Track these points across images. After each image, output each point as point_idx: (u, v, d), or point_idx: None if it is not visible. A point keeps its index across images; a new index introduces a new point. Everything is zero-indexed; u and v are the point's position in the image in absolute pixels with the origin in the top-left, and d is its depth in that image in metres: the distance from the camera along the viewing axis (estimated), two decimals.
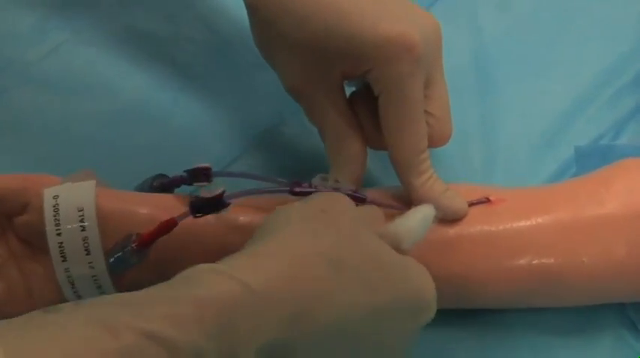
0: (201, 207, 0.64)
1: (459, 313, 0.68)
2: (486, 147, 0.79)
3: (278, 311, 0.51)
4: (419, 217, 0.61)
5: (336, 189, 0.66)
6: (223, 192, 0.64)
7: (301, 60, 0.66)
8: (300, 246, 0.54)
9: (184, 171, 0.68)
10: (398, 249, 0.59)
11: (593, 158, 0.75)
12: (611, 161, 0.70)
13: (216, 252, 0.58)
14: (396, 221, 0.60)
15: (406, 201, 0.67)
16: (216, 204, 0.64)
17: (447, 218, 0.66)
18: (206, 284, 0.50)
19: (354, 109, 0.69)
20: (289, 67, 0.67)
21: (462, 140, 0.78)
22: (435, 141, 0.68)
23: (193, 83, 0.82)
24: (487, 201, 0.67)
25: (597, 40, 0.85)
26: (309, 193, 0.65)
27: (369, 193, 0.67)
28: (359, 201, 0.66)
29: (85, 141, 0.79)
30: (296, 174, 0.69)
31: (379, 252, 0.57)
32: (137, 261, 0.64)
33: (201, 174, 0.67)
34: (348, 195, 0.65)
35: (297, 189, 0.65)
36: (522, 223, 0.65)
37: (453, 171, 0.76)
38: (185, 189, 0.69)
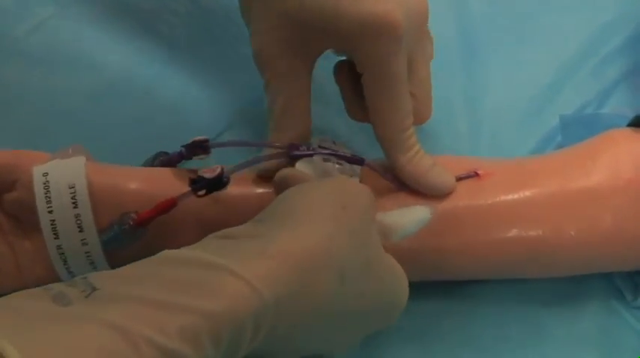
0: (203, 186, 0.64)
1: (447, 285, 0.69)
2: (472, 117, 0.79)
3: (279, 322, 0.51)
4: (414, 218, 0.62)
5: (335, 152, 0.65)
6: (222, 170, 0.64)
7: (281, 30, 0.66)
8: (315, 254, 0.53)
9: (182, 147, 0.68)
10: (385, 239, 0.60)
11: (577, 127, 0.75)
12: (596, 130, 0.70)
13: (212, 227, 0.58)
14: (392, 214, 0.61)
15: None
16: (217, 183, 0.64)
17: (435, 194, 0.66)
18: (223, 292, 0.49)
19: (337, 79, 0.69)
20: (268, 35, 0.66)
21: (447, 109, 0.79)
22: (414, 121, 0.67)
23: (178, 56, 0.82)
24: (475, 175, 0.67)
25: (581, 9, 0.85)
26: (309, 156, 0.65)
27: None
28: (357, 162, 0.66)
29: (70, 115, 0.78)
30: None
31: (378, 260, 0.58)
32: (133, 240, 0.64)
33: (198, 147, 0.67)
34: (347, 158, 0.65)
35: (296, 153, 0.65)
36: (510, 197, 0.65)
37: (440, 141, 0.77)
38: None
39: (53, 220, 0.63)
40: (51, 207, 0.63)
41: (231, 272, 0.49)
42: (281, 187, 0.60)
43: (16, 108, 0.79)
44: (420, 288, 0.68)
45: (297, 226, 0.54)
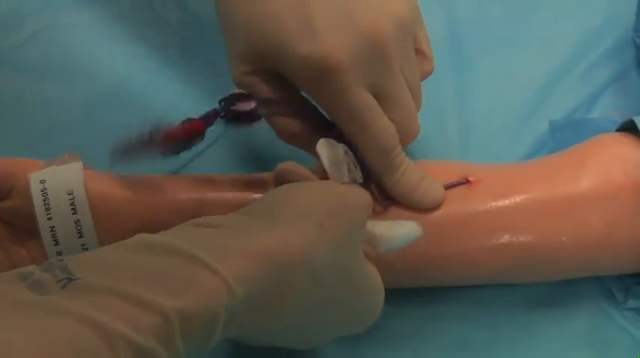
0: (237, 117, 0.64)
1: (439, 289, 0.69)
2: (462, 122, 0.80)
3: (249, 315, 0.52)
4: (403, 233, 0.62)
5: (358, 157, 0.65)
6: (257, 103, 0.64)
7: (237, 40, 0.65)
8: (292, 257, 0.54)
9: (219, 102, 0.66)
10: (372, 248, 0.61)
11: (567, 131, 0.76)
12: (586, 134, 0.70)
13: None
14: (381, 224, 0.62)
15: None
16: (251, 116, 0.64)
17: (423, 208, 0.66)
18: (199, 289, 0.49)
19: None
20: (234, 55, 0.66)
21: (437, 115, 0.79)
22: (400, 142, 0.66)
23: (171, 64, 0.83)
24: (466, 181, 0.67)
25: (570, 14, 0.86)
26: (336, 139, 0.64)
27: None
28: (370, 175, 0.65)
29: (64, 124, 0.79)
30: (276, 153, 0.70)
31: (359, 272, 0.58)
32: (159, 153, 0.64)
33: (236, 100, 0.65)
34: (364, 164, 0.64)
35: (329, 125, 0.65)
36: (501, 203, 0.66)
37: (429, 146, 0.77)
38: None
39: (53, 227, 0.63)
40: (50, 213, 0.63)
41: (209, 266, 0.50)
42: (279, 180, 0.60)
43: (10, 118, 0.79)
44: (412, 292, 0.69)
45: (281, 227, 0.54)
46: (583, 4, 0.86)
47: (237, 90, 0.66)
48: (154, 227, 0.64)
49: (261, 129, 0.67)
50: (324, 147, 0.63)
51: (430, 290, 0.69)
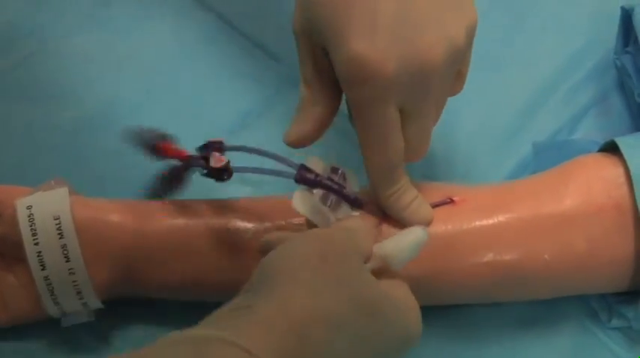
0: (208, 172, 0.64)
1: (425, 310, 0.69)
2: (446, 144, 0.80)
3: None
4: (410, 240, 0.61)
5: (340, 188, 0.64)
6: (229, 162, 0.64)
7: (301, 8, 0.64)
8: (302, 309, 0.53)
9: (196, 149, 0.66)
10: (388, 270, 0.60)
11: (550, 153, 0.77)
12: (568, 155, 0.71)
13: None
14: (387, 242, 0.61)
15: None
16: (223, 172, 0.64)
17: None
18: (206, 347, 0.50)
19: None
20: (298, 8, 0.64)
21: None
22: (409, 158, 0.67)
23: (158, 87, 0.83)
24: (450, 201, 0.68)
25: (551, 37, 0.87)
26: (314, 185, 0.64)
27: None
28: (356, 206, 0.65)
29: (51, 149, 0.80)
30: (265, 178, 0.70)
31: (375, 301, 0.56)
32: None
33: (213, 148, 0.66)
34: (347, 199, 0.65)
35: (302, 176, 0.63)
36: (485, 222, 0.66)
37: (414, 167, 0.77)
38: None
39: (39, 252, 0.64)
40: (37, 238, 0.64)
41: (224, 341, 0.50)
42: (265, 251, 0.60)
43: None
44: None
45: (280, 291, 0.54)
46: (565, 27, 0.87)
47: (213, 139, 0.67)
48: (141, 252, 0.66)
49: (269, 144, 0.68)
50: (299, 204, 0.63)
51: None
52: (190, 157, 0.65)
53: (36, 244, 0.64)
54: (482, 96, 0.83)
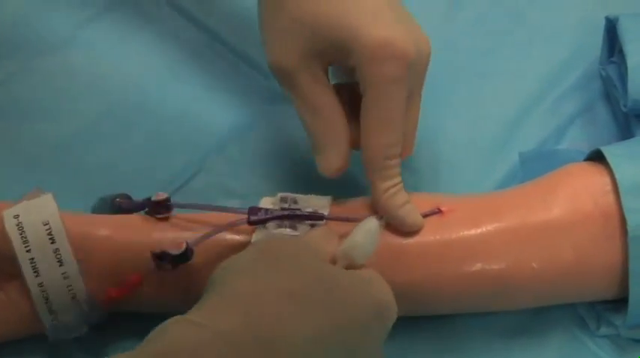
0: (168, 262, 0.65)
1: (413, 320, 0.70)
2: (433, 155, 0.81)
3: (244, 352, 0.52)
4: (363, 232, 0.62)
5: (292, 212, 0.67)
6: (187, 245, 0.65)
7: (297, 36, 0.66)
8: (257, 284, 0.56)
9: (144, 200, 0.69)
10: (354, 266, 0.61)
11: (537, 163, 0.77)
12: (555, 165, 0.71)
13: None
14: (343, 241, 0.62)
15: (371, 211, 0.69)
16: (182, 257, 0.65)
17: (402, 229, 0.67)
18: (171, 334, 0.52)
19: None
20: (284, 42, 0.67)
21: None
22: None
23: (145, 104, 0.83)
24: (438, 211, 0.68)
25: (537, 47, 0.87)
26: (267, 220, 0.66)
27: (333, 208, 0.69)
28: (316, 219, 0.67)
29: (37, 165, 0.80)
30: (252, 190, 0.70)
31: (334, 275, 0.59)
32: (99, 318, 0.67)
33: (161, 207, 0.69)
34: (305, 216, 0.66)
35: (254, 219, 0.67)
36: (473, 231, 0.67)
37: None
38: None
39: (32, 258, 0.64)
40: (28, 246, 0.64)
41: (178, 320, 0.53)
42: None
43: None
44: None
45: (232, 276, 0.57)
46: (551, 38, 0.88)
47: (159, 196, 0.69)
48: (131, 265, 0.66)
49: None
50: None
51: (404, 321, 0.69)
52: (142, 205, 0.70)
53: (28, 251, 0.64)
54: (469, 108, 0.83)
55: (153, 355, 0.51)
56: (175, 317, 0.54)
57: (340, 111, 0.68)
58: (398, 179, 0.67)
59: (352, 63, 0.66)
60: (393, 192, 0.67)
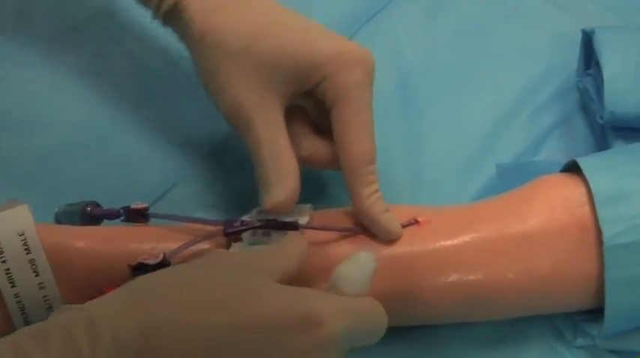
0: (146, 272, 0.64)
1: (392, 331, 0.70)
2: (412, 166, 0.81)
3: (123, 338, 0.53)
4: (361, 269, 0.63)
5: (267, 221, 0.67)
6: (165, 256, 0.65)
7: (248, 79, 0.67)
8: (156, 280, 0.57)
9: (121, 208, 0.69)
10: (339, 293, 0.62)
11: (514, 174, 0.77)
12: (532, 176, 0.72)
13: None
14: (339, 267, 0.63)
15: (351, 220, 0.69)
16: (159, 268, 0.64)
17: (381, 237, 0.67)
18: (52, 317, 0.55)
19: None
20: (234, 87, 0.68)
21: (387, 159, 0.80)
22: None
23: (124, 116, 0.83)
24: (415, 222, 0.68)
25: (514, 60, 0.88)
26: (242, 231, 0.67)
27: (314, 216, 0.69)
28: (290, 228, 0.67)
29: (16, 177, 0.79)
30: (231, 202, 0.70)
31: (254, 283, 0.58)
32: None
33: (139, 215, 0.69)
34: (279, 224, 0.67)
35: (230, 231, 0.67)
36: (449, 242, 0.67)
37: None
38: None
39: (8, 269, 0.64)
40: (4, 256, 0.64)
41: (65, 308, 0.55)
42: None
43: None
44: None
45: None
46: (527, 51, 0.88)
47: (138, 205, 0.69)
48: (107, 277, 0.65)
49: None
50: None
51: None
52: (117, 213, 0.70)
53: (3, 262, 0.64)
54: (446, 121, 0.84)
55: (27, 333, 0.52)
56: (68, 305, 0.55)
57: (290, 146, 0.69)
58: (377, 185, 0.68)
59: (316, 80, 0.68)
60: (375, 198, 0.68)
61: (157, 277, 0.58)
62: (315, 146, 0.71)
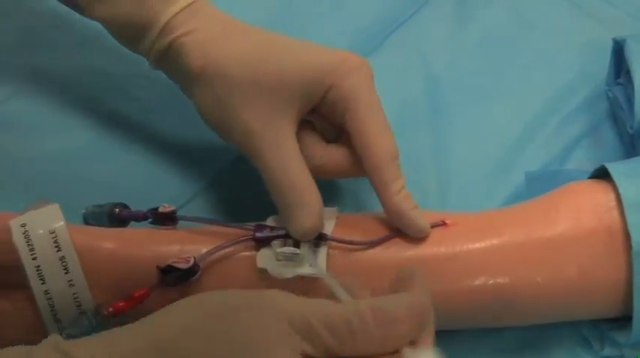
0: (176, 276, 0.65)
1: None
2: (440, 175, 0.81)
3: None
4: None
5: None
6: (195, 260, 0.65)
7: (255, 104, 0.68)
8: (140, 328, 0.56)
9: (149, 211, 0.70)
10: None
11: (542, 182, 0.76)
12: (560, 184, 0.71)
13: None
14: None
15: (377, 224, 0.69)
16: (189, 273, 0.65)
17: (410, 234, 0.67)
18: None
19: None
20: (241, 114, 0.68)
21: (415, 167, 0.80)
22: None
23: (148, 120, 0.84)
24: (443, 224, 0.68)
25: (542, 68, 0.88)
26: (272, 238, 0.67)
27: (340, 220, 0.69)
28: (319, 239, 0.67)
29: (42, 179, 0.80)
30: (253, 211, 0.70)
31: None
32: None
33: (166, 218, 0.69)
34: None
35: (259, 236, 0.67)
36: (477, 245, 0.67)
37: None
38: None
39: (38, 266, 0.64)
40: (34, 253, 0.64)
41: (56, 347, 0.55)
42: None
43: None
44: None
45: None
46: (556, 60, 0.88)
47: (166, 208, 0.70)
48: (135, 278, 0.66)
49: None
50: (260, 261, 0.67)
51: None
52: (145, 215, 0.70)
53: (34, 259, 0.64)
54: (474, 129, 0.84)
55: None
56: (56, 343, 0.55)
57: (308, 174, 0.68)
58: (404, 181, 0.68)
59: (323, 91, 0.68)
60: (404, 194, 0.68)
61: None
62: (328, 153, 0.71)
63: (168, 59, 0.73)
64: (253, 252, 0.67)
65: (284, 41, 0.71)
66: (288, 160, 0.68)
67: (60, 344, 0.55)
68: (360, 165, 0.69)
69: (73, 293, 0.65)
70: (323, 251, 0.67)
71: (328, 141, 0.72)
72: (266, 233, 0.67)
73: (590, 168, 0.73)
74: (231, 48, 0.70)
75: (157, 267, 0.66)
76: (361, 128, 0.68)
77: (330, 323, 0.54)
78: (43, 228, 0.65)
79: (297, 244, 0.67)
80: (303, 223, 0.66)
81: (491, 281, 0.66)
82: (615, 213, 0.66)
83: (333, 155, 0.71)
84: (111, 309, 0.65)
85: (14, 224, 0.65)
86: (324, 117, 0.71)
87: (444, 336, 0.69)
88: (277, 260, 0.66)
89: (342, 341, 0.54)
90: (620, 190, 0.66)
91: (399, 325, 0.55)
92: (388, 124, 0.69)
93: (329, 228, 0.68)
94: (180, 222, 0.70)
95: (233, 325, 0.54)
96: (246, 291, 0.57)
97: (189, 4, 0.71)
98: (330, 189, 0.71)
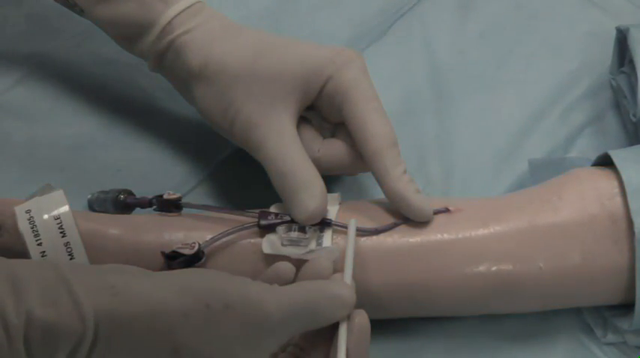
0: (180, 262, 0.65)
1: (421, 321, 0.70)
2: (444, 163, 0.81)
3: None
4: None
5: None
6: (199, 246, 0.66)
7: (255, 98, 0.69)
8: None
9: (154, 198, 0.70)
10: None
11: (546, 170, 0.77)
12: (563, 172, 0.72)
13: None
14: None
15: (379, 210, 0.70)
16: (194, 258, 0.66)
17: (413, 218, 0.68)
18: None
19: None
20: (244, 109, 0.69)
21: (419, 156, 0.81)
22: None
23: (157, 108, 0.84)
24: (446, 210, 0.68)
25: (547, 57, 0.88)
26: (277, 225, 0.67)
27: (343, 207, 0.69)
28: (324, 224, 0.67)
29: (49, 165, 0.80)
30: (257, 199, 0.71)
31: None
32: None
33: (171, 205, 0.70)
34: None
35: (264, 223, 0.67)
36: (480, 231, 0.67)
37: None
38: None
39: (43, 252, 0.64)
40: (39, 239, 0.64)
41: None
42: None
43: None
44: (392, 326, 0.69)
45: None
46: (560, 48, 0.89)
47: (171, 195, 0.70)
48: (139, 264, 0.65)
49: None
50: (265, 247, 0.67)
51: (409, 324, 0.70)
52: (150, 202, 0.71)
53: (39, 244, 0.64)
54: (478, 118, 0.84)
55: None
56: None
57: (308, 160, 0.69)
58: (405, 166, 0.68)
59: (320, 84, 0.70)
60: (407, 179, 0.68)
61: None
62: (325, 147, 0.72)
63: (168, 59, 0.74)
64: (258, 239, 0.68)
65: (280, 38, 0.72)
66: (289, 147, 0.68)
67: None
68: (357, 158, 0.70)
69: None
70: (328, 234, 0.67)
71: (325, 137, 0.73)
72: (270, 219, 0.67)
73: (594, 156, 0.74)
74: (231, 44, 0.71)
75: (162, 252, 0.66)
76: (360, 116, 0.69)
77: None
78: (48, 213, 0.65)
79: (302, 230, 0.67)
80: (307, 206, 0.67)
81: (494, 268, 0.66)
82: (618, 200, 0.67)
83: (330, 148, 0.72)
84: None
85: (19, 210, 0.65)
86: (322, 112, 0.72)
87: (444, 324, 0.71)
88: (283, 245, 0.66)
89: None
90: (624, 177, 0.67)
91: None
92: (385, 113, 0.70)
93: (332, 214, 0.68)
94: (185, 209, 0.71)
95: None
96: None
97: (190, 6, 0.73)
98: (330, 180, 0.71)
